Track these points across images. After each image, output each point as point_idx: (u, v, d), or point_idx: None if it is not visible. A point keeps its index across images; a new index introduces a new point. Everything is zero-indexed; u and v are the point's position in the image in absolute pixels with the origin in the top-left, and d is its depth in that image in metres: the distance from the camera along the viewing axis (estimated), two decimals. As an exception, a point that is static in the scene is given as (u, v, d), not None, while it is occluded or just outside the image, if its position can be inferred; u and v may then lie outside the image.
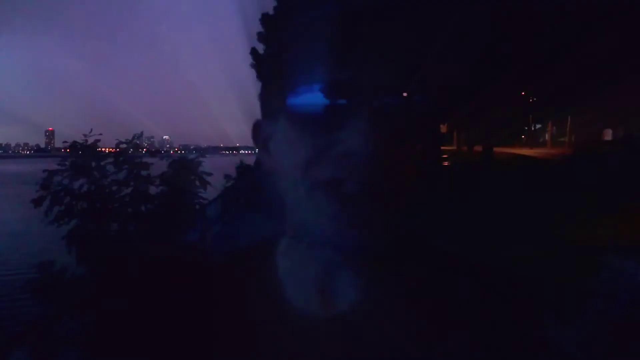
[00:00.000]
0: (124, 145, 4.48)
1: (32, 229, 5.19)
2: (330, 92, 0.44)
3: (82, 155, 4.09)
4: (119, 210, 4.32)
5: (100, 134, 4.24)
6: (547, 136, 36.59)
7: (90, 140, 4.21)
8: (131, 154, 4.48)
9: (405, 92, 0.45)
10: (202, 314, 0.54)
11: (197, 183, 4.60)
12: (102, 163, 4.35)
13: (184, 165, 4.40)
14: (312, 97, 0.45)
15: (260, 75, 0.54)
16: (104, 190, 4.25)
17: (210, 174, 4.84)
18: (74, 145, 4.06)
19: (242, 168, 8.61)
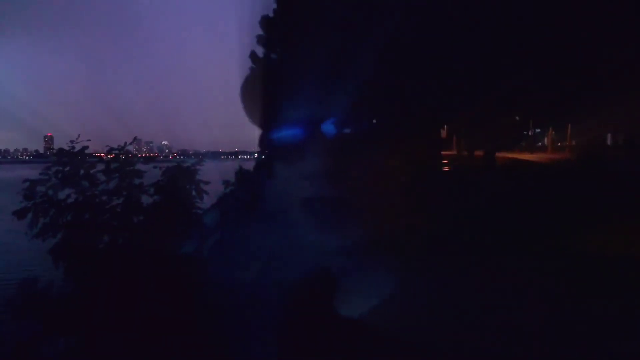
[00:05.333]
0: (117, 152, 4.18)
1: (19, 241, 4.86)
2: (307, 126, 1.17)
3: (69, 162, 3.78)
4: (109, 221, 4.02)
5: (89, 140, 3.92)
6: (547, 141, 36.34)
7: (79, 147, 3.92)
8: (124, 160, 4.19)
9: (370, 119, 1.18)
10: (198, 331, 1.01)
11: (194, 192, 4.26)
12: (92, 171, 4.06)
13: (180, 173, 4.08)
14: (292, 132, 1.35)
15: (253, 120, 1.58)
16: (94, 200, 3.95)
17: (207, 183, 4.54)
18: (60, 152, 3.75)
19: (240, 174, 8.33)
